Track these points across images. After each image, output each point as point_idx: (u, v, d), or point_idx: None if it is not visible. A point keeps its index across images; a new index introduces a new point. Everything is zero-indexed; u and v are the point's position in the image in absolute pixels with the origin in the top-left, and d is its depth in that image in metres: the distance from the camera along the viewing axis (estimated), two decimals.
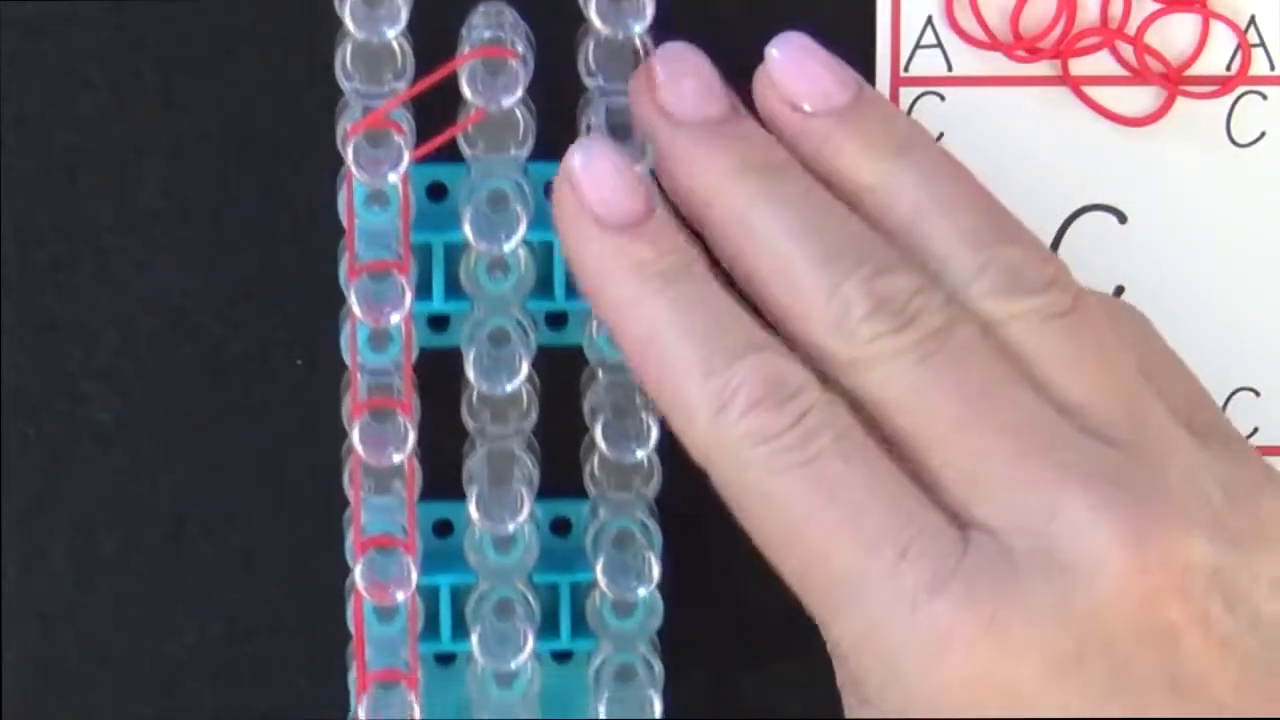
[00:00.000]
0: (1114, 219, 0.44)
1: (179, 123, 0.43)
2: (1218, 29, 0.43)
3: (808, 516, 0.36)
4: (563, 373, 0.42)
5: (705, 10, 0.43)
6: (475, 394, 0.41)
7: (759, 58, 0.43)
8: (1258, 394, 0.44)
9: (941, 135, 0.43)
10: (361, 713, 0.41)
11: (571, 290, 0.42)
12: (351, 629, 0.41)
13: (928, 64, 0.43)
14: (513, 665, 0.41)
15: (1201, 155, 0.44)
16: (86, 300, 0.43)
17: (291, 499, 0.43)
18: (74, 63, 0.43)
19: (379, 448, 0.40)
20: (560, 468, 0.42)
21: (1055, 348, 0.37)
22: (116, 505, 0.44)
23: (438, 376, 0.42)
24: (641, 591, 0.41)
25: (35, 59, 0.43)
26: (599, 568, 0.41)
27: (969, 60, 0.43)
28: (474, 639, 0.41)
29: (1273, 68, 0.44)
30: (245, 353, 0.43)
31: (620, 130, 0.40)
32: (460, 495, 0.41)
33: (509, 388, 0.41)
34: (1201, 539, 0.35)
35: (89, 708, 0.44)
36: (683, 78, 0.39)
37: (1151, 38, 0.43)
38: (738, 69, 0.43)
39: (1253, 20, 0.43)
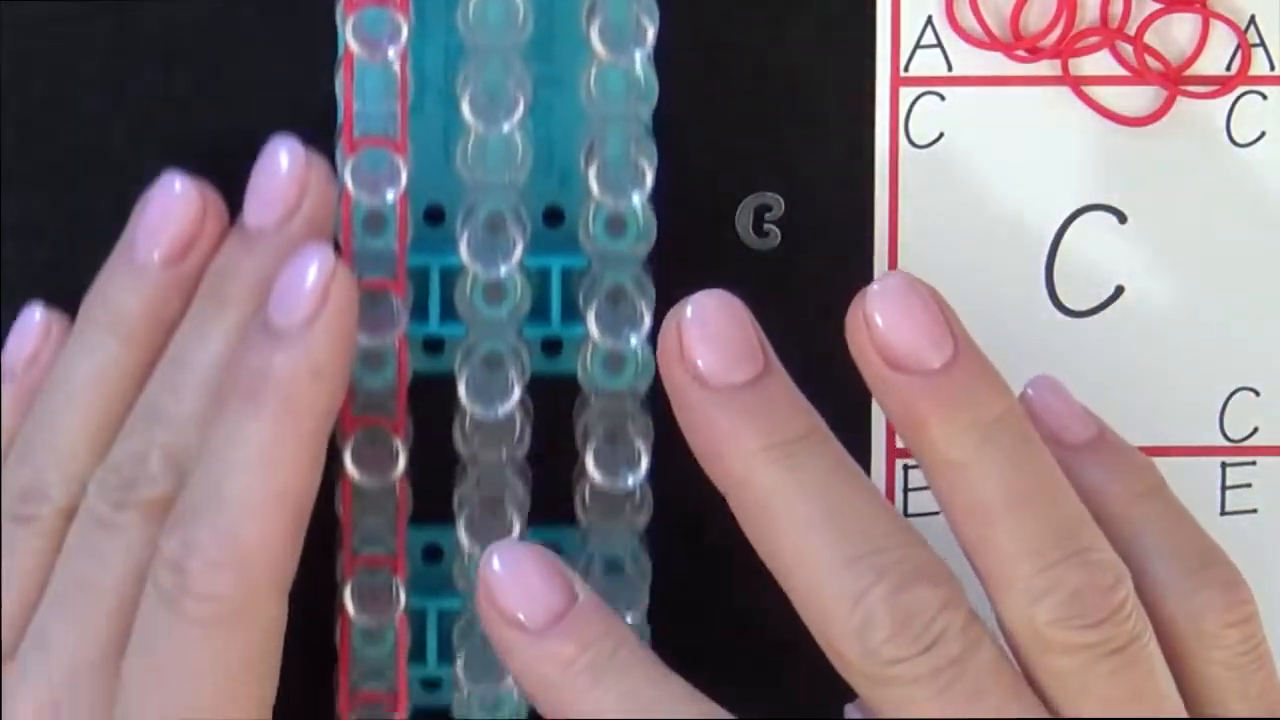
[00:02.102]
0: (1114, 219, 0.44)
1: (179, 123, 0.43)
2: (1218, 29, 0.43)
3: None
4: (556, 402, 0.42)
5: (705, 7, 0.43)
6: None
7: (759, 58, 0.43)
8: (1257, 394, 0.44)
9: (941, 135, 0.43)
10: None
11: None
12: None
13: (928, 64, 0.43)
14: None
15: (1201, 155, 0.44)
16: None
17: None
18: (74, 63, 0.43)
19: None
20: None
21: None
22: None
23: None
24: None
25: (35, 59, 0.43)
26: None
27: (969, 60, 0.43)
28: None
29: (1273, 68, 0.44)
30: None
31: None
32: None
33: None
34: None
35: None
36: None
37: (1151, 38, 0.43)
38: (737, 68, 0.43)
39: (1253, 20, 0.43)
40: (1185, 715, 0.37)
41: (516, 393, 0.41)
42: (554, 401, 0.42)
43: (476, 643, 0.41)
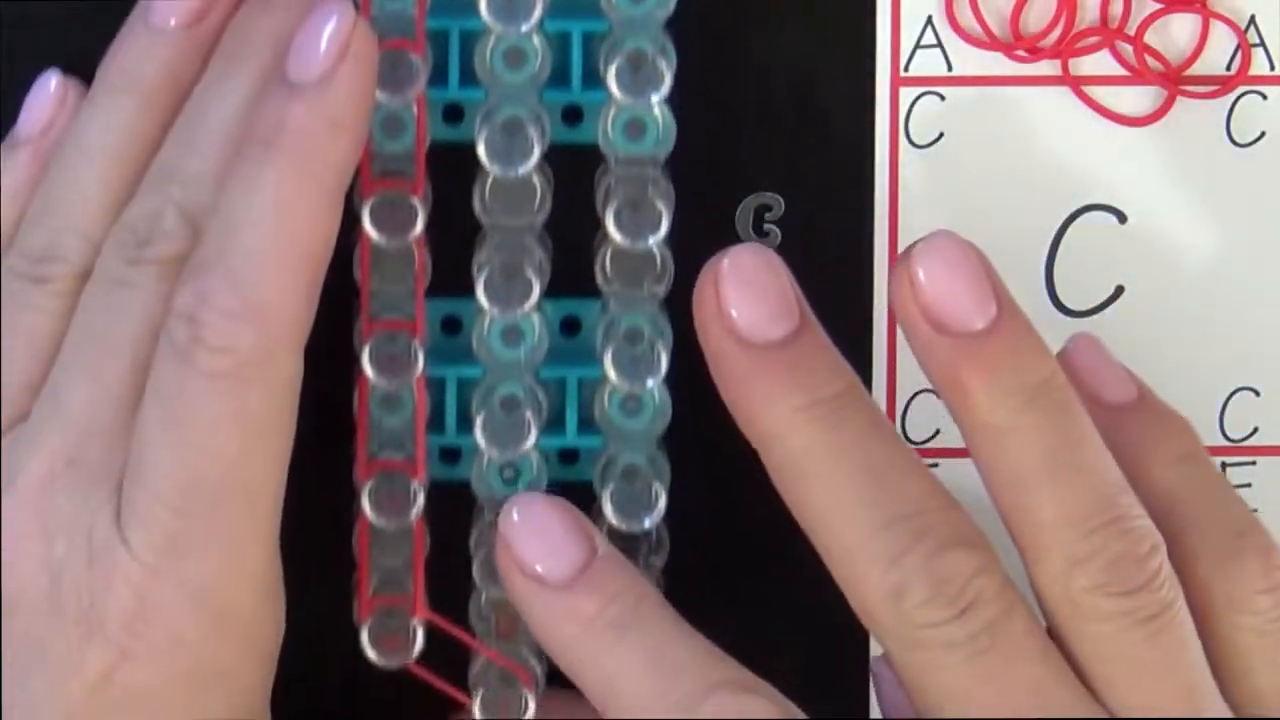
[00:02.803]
0: (1114, 219, 0.44)
1: None
2: (1218, 29, 0.43)
3: None
4: (578, 173, 0.42)
5: (706, 8, 0.43)
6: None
7: (759, 58, 0.43)
8: (1258, 394, 0.44)
9: (941, 135, 0.43)
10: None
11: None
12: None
13: (928, 64, 0.43)
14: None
15: (1201, 155, 0.44)
16: None
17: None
18: (74, 63, 0.43)
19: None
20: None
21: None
22: None
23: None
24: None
25: (35, 59, 0.43)
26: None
27: (969, 60, 0.43)
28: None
29: (1273, 68, 0.44)
30: None
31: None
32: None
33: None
34: None
35: None
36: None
37: (1151, 38, 0.43)
38: (737, 68, 0.43)
39: (1253, 20, 0.43)
40: (1213, 682, 0.37)
41: (536, 153, 0.40)
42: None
43: (496, 408, 0.41)
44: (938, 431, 0.44)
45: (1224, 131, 0.44)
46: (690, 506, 0.42)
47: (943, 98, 0.44)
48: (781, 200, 0.44)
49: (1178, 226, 0.44)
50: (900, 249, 0.44)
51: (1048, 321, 0.44)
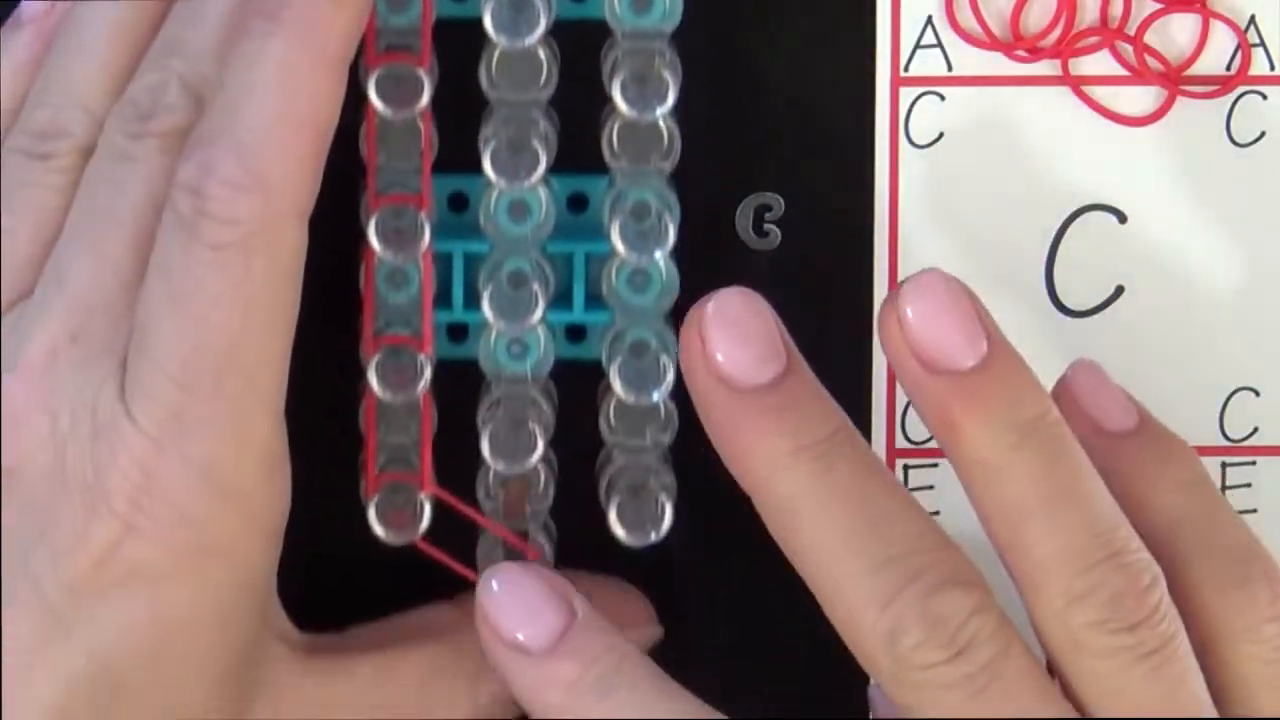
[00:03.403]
0: (1114, 219, 0.44)
1: None
2: (1218, 29, 0.43)
3: None
4: (584, 51, 0.42)
5: (705, 8, 0.43)
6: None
7: (759, 58, 0.43)
8: (1258, 394, 0.44)
9: (941, 135, 0.43)
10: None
11: None
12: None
13: (928, 64, 0.43)
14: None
15: (1201, 155, 0.44)
16: None
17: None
18: None
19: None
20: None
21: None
22: None
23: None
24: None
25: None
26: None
27: (969, 60, 0.43)
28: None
29: (1273, 68, 0.44)
30: None
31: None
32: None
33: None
34: None
35: None
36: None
37: (1151, 38, 0.43)
38: (737, 68, 0.43)
39: (1253, 20, 0.43)
40: (1215, 715, 0.37)
41: (542, 24, 0.40)
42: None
43: (503, 282, 0.41)
44: None
45: (1224, 131, 0.44)
46: None
47: (943, 98, 0.44)
48: (781, 200, 0.44)
49: (1178, 226, 0.44)
50: (900, 249, 0.44)
51: (1047, 321, 0.44)
